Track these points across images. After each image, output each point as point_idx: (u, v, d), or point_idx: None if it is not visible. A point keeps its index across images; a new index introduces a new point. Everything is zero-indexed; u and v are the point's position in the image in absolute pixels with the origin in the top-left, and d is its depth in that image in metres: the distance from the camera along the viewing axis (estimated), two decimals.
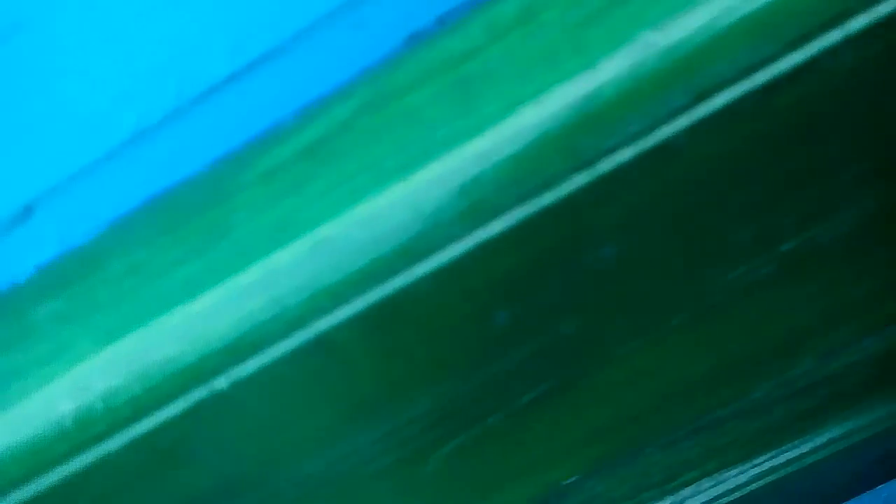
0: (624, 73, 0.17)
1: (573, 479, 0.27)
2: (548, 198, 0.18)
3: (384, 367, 0.21)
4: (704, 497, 0.30)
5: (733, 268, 0.22)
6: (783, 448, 0.30)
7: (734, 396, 0.28)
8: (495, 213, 0.18)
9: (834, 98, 0.17)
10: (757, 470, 0.30)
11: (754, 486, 0.30)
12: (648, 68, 0.16)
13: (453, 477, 0.26)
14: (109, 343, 0.20)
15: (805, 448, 0.28)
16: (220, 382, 0.20)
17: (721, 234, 0.20)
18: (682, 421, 0.29)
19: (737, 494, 0.30)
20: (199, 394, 0.20)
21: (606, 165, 0.17)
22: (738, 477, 0.30)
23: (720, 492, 0.30)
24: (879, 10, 0.16)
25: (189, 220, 0.21)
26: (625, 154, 0.17)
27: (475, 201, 0.18)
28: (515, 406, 0.24)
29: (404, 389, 0.22)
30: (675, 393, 0.27)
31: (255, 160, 0.20)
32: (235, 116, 0.20)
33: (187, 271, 0.20)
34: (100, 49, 0.18)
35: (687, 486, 0.29)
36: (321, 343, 0.20)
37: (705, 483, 0.30)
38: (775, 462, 0.29)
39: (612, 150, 0.17)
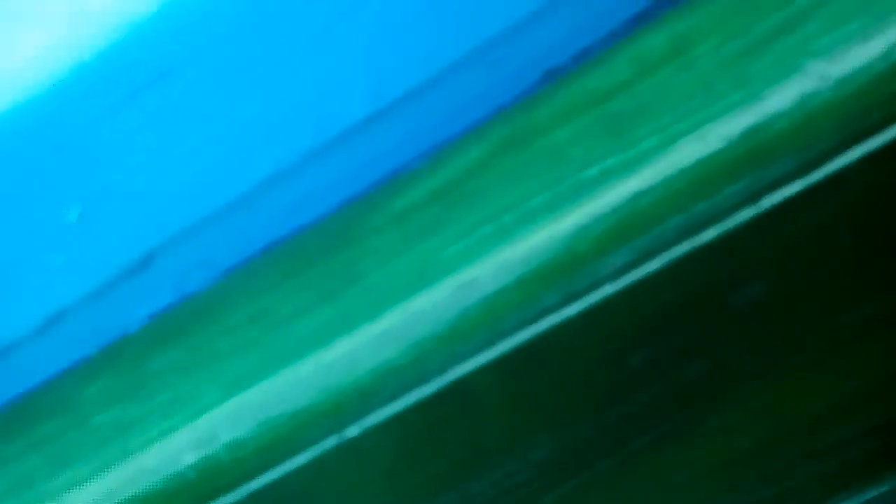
0: (795, 103, 0.16)
1: None
2: (706, 236, 0.17)
3: (512, 413, 0.20)
4: None
5: (864, 305, 0.21)
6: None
7: (851, 436, 0.26)
8: (649, 253, 0.17)
9: None
10: None
11: None
12: (821, 98, 0.16)
13: None
14: (234, 393, 0.19)
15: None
16: (352, 431, 0.19)
17: (861, 270, 0.19)
18: (786, 470, 0.28)
19: None
20: (328, 443, 0.19)
21: (771, 200, 0.16)
22: None
23: None
24: None
25: (315, 265, 0.20)
26: (791, 189, 0.16)
27: (629, 241, 0.17)
28: (627, 450, 0.23)
29: (526, 435, 0.21)
30: (783, 436, 0.26)
31: (386, 202, 0.20)
32: (368, 158, 0.19)
33: (316, 318, 0.19)
34: (240, 94, 0.18)
35: None
36: (456, 389, 0.18)
37: None
38: None
39: (778, 183, 0.16)
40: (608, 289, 0.17)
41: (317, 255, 0.20)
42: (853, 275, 0.19)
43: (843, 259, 0.19)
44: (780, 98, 0.16)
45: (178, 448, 0.19)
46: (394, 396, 0.18)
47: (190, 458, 0.19)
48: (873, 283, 0.21)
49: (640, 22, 0.18)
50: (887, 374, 0.24)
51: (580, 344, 0.19)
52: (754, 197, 0.16)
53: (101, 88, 0.17)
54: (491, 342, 0.18)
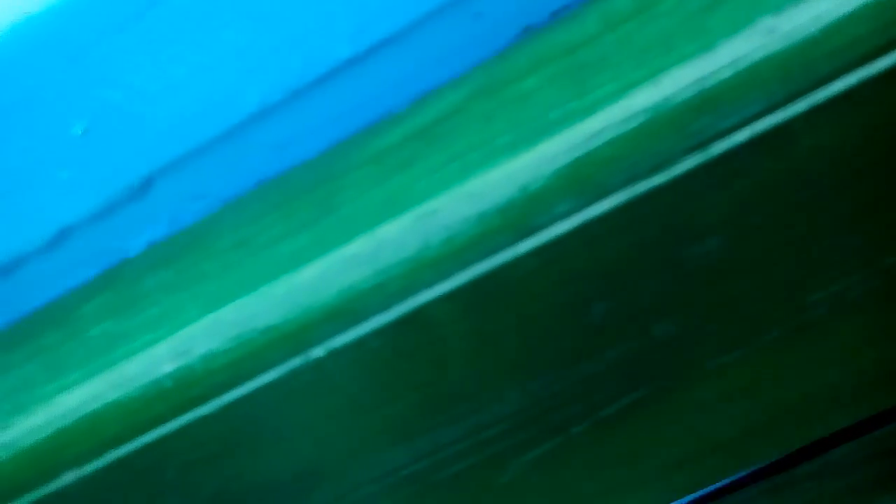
0: (743, 55, 0.16)
1: None
2: (658, 179, 0.17)
3: (476, 352, 0.20)
4: None
5: (834, 279, 0.21)
6: None
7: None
8: (604, 192, 0.18)
9: None
10: None
11: None
12: (768, 51, 0.16)
13: (529, 490, 0.25)
14: (212, 310, 0.20)
15: None
16: (318, 351, 0.20)
17: (831, 238, 0.19)
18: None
19: None
20: (295, 362, 0.20)
21: (720, 148, 0.17)
22: None
23: None
24: None
25: (298, 198, 0.21)
26: (740, 136, 0.17)
27: (584, 180, 0.18)
28: (600, 416, 0.24)
29: (493, 381, 0.22)
30: (761, 422, 0.26)
31: (366, 142, 0.21)
32: (352, 101, 0.20)
33: (292, 245, 0.20)
34: (229, 25, 0.19)
35: None
36: (418, 318, 0.19)
37: None
38: None
39: (727, 132, 0.17)
40: (562, 226, 0.18)
41: (299, 189, 0.21)
42: (808, 243, 0.20)
43: (800, 222, 0.19)
44: (731, 50, 0.16)
45: (158, 358, 0.20)
46: (357, 320, 0.19)
47: (168, 368, 0.20)
48: (836, 257, 0.21)
49: None
50: (873, 363, 0.24)
51: (538, 283, 0.19)
52: (704, 144, 0.17)
53: (106, 6, 0.18)
54: (450, 272, 0.19)
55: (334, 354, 0.20)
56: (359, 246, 0.19)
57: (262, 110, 0.20)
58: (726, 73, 0.16)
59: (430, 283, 0.19)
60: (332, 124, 0.21)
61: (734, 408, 0.25)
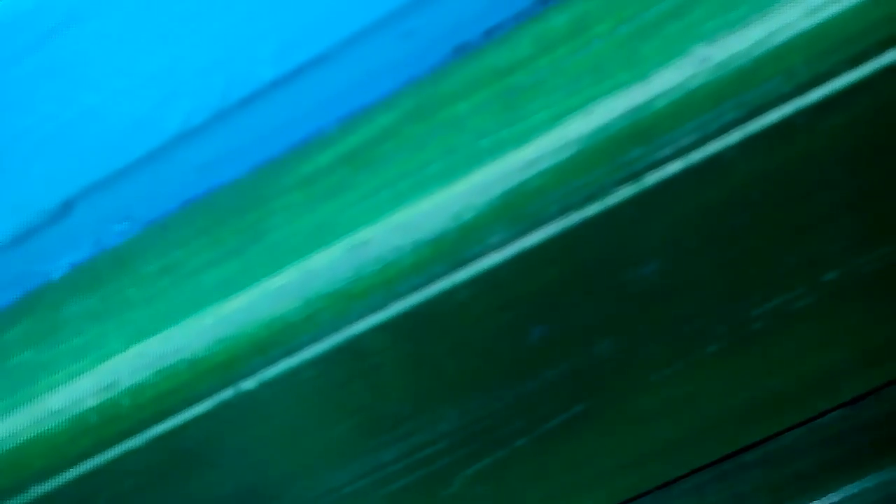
0: (676, 85, 0.16)
1: None
2: (592, 209, 0.17)
3: (413, 377, 0.20)
4: None
5: (774, 295, 0.21)
6: (809, 498, 0.28)
7: (764, 437, 0.26)
8: (537, 222, 0.17)
9: (888, 121, 0.16)
10: None
11: None
12: (701, 81, 0.16)
13: (475, 500, 0.25)
14: (139, 341, 0.19)
15: (835, 499, 0.27)
16: (249, 383, 0.19)
17: (764, 258, 0.19)
18: (709, 460, 0.27)
19: None
20: (226, 394, 0.19)
21: (653, 178, 0.16)
22: None
23: None
24: None
25: (226, 223, 0.20)
26: (673, 167, 0.16)
27: (517, 210, 0.17)
28: (544, 429, 0.23)
29: (432, 403, 0.21)
30: (705, 428, 0.26)
31: (295, 165, 0.19)
32: (279, 121, 0.19)
33: (220, 272, 0.19)
34: (149, 47, 0.18)
35: None
36: (351, 348, 0.18)
37: None
38: None
39: (660, 162, 0.16)
40: (496, 256, 0.17)
41: (228, 212, 0.20)
42: (743, 263, 0.19)
43: (734, 245, 0.19)
44: (664, 79, 0.16)
45: (83, 392, 0.19)
46: (289, 351, 0.18)
47: (92, 402, 0.19)
48: (775, 274, 0.21)
49: (546, 2, 0.18)
50: (811, 372, 0.24)
51: (473, 311, 0.18)
52: (637, 174, 0.16)
53: (7, 34, 0.17)
54: (383, 303, 0.18)
55: (266, 385, 0.19)
56: (288, 276, 0.18)
57: (185, 132, 0.19)
58: (659, 103, 0.16)
59: (362, 314, 0.18)
60: (259, 145, 0.20)
61: (677, 415, 0.24)
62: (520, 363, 0.20)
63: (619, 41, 0.17)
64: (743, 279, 0.20)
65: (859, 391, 0.25)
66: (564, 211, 0.17)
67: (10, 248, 0.21)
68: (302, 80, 0.18)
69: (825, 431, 0.27)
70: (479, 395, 0.21)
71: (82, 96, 0.18)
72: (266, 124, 0.19)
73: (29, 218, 0.20)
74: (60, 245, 0.21)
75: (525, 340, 0.20)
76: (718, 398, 0.24)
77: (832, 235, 0.19)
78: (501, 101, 0.17)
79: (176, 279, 0.19)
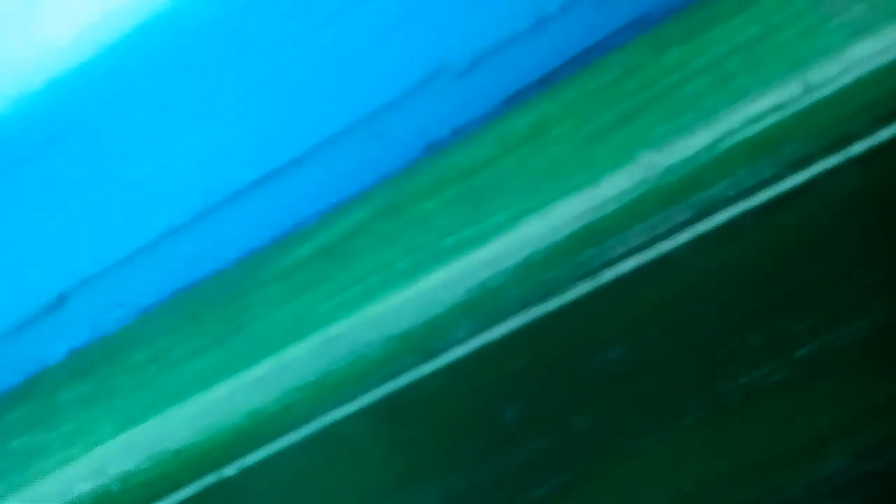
0: (626, 189, 0.16)
1: None
2: (551, 304, 0.17)
3: (392, 458, 0.20)
4: None
5: (746, 372, 0.21)
6: None
7: (763, 494, 0.26)
8: (500, 317, 0.17)
9: (837, 216, 0.17)
10: None
11: None
12: (649, 186, 0.16)
13: None
14: (127, 428, 0.20)
15: None
16: (229, 470, 0.19)
17: (729, 341, 0.19)
18: None
19: None
20: (208, 480, 0.19)
21: (608, 276, 0.17)
22: None
23: None
24: (881, 135, 0.15)
25: (209, 313, 0.20)
26: (626, 265, 0.17)
27: (481, 306, 0.17)
28: (530, 498, 0.23)
29: (412, 480, 0.21)
30: (693, 492, 0.26)
31: (274, 259, 0.20)
32: (259, 218, 0.20)
33: (203, 362, 0.20)
34: (135, 153, 0.19)
35: None
36: (329, 435, 0.19)
37: None
38: None
39: (613, 261, 0.17)
40: (462, 349, 0.18)
41: (212, 303, 0.20)
42: (708, 346, 0.19)
43: (696, 330, 0.19)
44: (614, 183, 0.16)
45: (74, 477, 0.20)
46: (267, 440, 0.19)
47: (83, 488, 0.19)
48: (742, 354, 0.21)
49: (509, 104, 0.19)
50: (795, 439, 0.24)
51: (446, 398, 0.19)
52: (593, 272, 0.17)
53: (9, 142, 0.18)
54: (356, 394, 0.18)
55: (246, 472, 0.19)
56: (266, 367, 0.18)
57: (168, 231, 0.19)
58: (611, 207, 0.16)
59: (336, 404, 0.18)
60: (243, 239, 0.20)
61: (663, 482, 0.24)
62: (496, 441, 0.21)
63: (574, 144, 0.17)
64: (711, 360, 0.20)
65: (854, 450, 0.25)
66: (526, 306, 0.17)
67: (11, 336, 0.22)
68: (279, 180, 0.19)
69: (831, 483, 0.26)
70: (460, 472, 0.21)
71: (73, 199, 0.19)
72: (248, 220, 0.20)
73: (28, 309, 0.21)
74: (58, 332, 0.22)
75: (499, 421, 0.20)
76: (703, 464, 0.24)
77: (798, 316, 0.20)
78: (466, 199, 0.18)
79: (162, 367, 0.20)
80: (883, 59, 0.16)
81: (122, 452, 0.19)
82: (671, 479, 0.25)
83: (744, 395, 0.21)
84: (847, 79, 0.16)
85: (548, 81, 0.19)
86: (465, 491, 0.22)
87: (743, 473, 0.24)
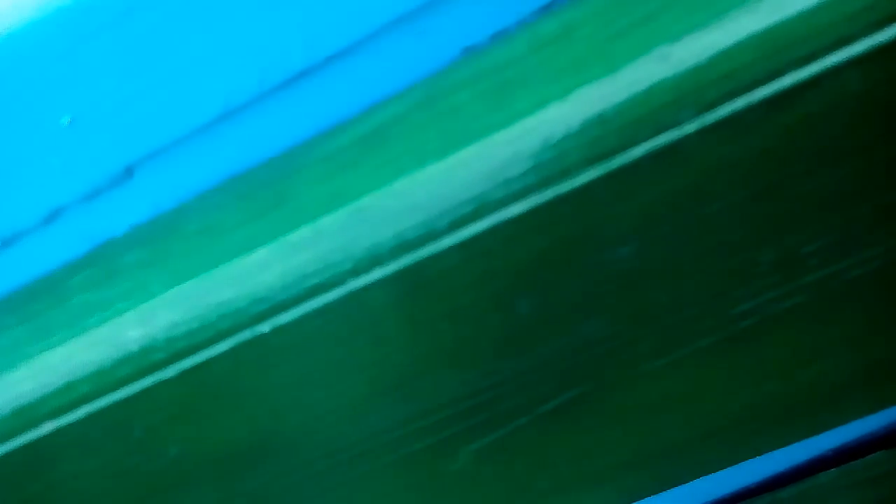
0: (639, 79, 0.17)
1: None
2: (566, 185, 0.18)
3: (411, 336, 0.21)
4: None
5: (756, 292, 0.21)
6: None
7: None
8: (517, 195, 0.18)
9: (843, 124, 0.17)
10: None
11: None
12: (661, 77, 0.17)
13: (482, 481, 0.25)
14: (176, 285, 0.21)
15: None
16: (263, 327, 0.20)
17: (740, 254, 0.19)
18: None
19: None
20: (244, 335, 0.21)
21: (620, 160, 0.17)
22: None
23: None
24: (879, 37, 0.16)
25: (256, 192, 0.22)
26: (637, 152, 0.17)
27: (499, 184, 0.18)
28: (542, 410, 0.24)
29: (431, 365, 0.22)
30: (709, 431, 0.25)
31: (316, 147, 0.21)
32: (304, 110, 0.21)
33: (247, 231, 0.21)
34: (200, 33, 0.20)
35: None
36: (356, 302, 0.20)
37: None
38: None
39: (625, 147, 0.18)
40: (480, 224, 0.19)
41: (261, 183, 0.22)
42: (718, 256, 0.20)
43: (707, 235, 0.20)
44: (629, 75, 0.17)
45: (126, 325, 0.21)
46: (300, 300, 0.20)
47: (134, 333, 0.21)
48: (749, 272, 0.21)
49: (542, 12, 0.20)
50: (811, 382, 0.24)
51: (463, 276, 0.20)
52: (605, 156, 0.18)
53: (79, 19, 0.19)
54: (383, 260, 0.19)
55: (278, 331, 0.20)
56: (302, 234, 0.20)
57: (226, 111, 0.21)
58: (623, 94, 0.17)
59: (363, 271, 0.19)
60: (292, 127, 0.22)
61: (678, 413, 0.24)
62: (510, 334, 0.22)
63: (597, 42, 0.18)
64: (722, 273, 0.21)
65: (864, 411, 0.25)
66: (541, 186, 0.18)
67: (82, 203, 0.23)
68: (327, 71, 0.21)
69: (861, 474, 0.26)
70: (476, 366, 0.22)
71: (142, 75, 0.20)
72: (298, 107, 0.21)
73: (97, 178, 0.23)
74: (123, 205, 0.24)
75: (512, 311, 0.21)
76: (718, 399, 0.24)
77: (809, 234, 0.20)
78: (494, 92, 0.19)
79: (212, 236, 0.22)
80: None
81: (169, 305, 0.21)
82: (683, 415, 0.25)
83: (755, 318, 0.22)
84: None
85: None
86: (480, 391, 0.23)
87: (758, 417, 0.24)
